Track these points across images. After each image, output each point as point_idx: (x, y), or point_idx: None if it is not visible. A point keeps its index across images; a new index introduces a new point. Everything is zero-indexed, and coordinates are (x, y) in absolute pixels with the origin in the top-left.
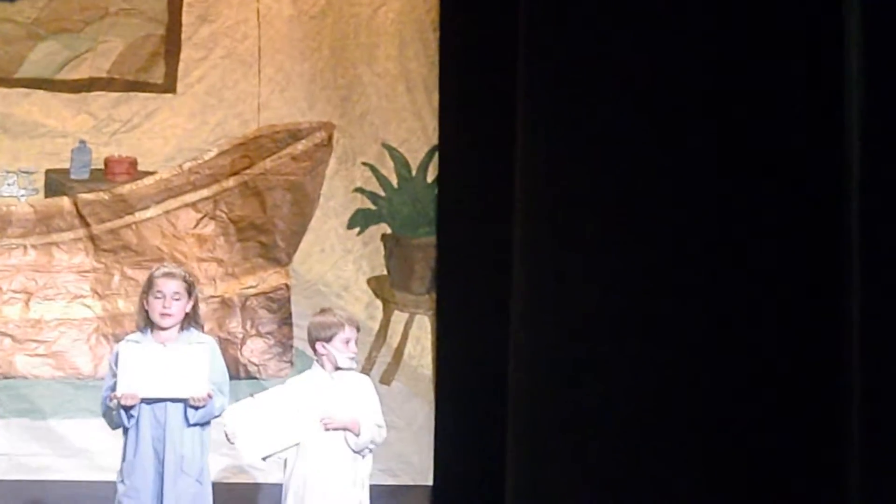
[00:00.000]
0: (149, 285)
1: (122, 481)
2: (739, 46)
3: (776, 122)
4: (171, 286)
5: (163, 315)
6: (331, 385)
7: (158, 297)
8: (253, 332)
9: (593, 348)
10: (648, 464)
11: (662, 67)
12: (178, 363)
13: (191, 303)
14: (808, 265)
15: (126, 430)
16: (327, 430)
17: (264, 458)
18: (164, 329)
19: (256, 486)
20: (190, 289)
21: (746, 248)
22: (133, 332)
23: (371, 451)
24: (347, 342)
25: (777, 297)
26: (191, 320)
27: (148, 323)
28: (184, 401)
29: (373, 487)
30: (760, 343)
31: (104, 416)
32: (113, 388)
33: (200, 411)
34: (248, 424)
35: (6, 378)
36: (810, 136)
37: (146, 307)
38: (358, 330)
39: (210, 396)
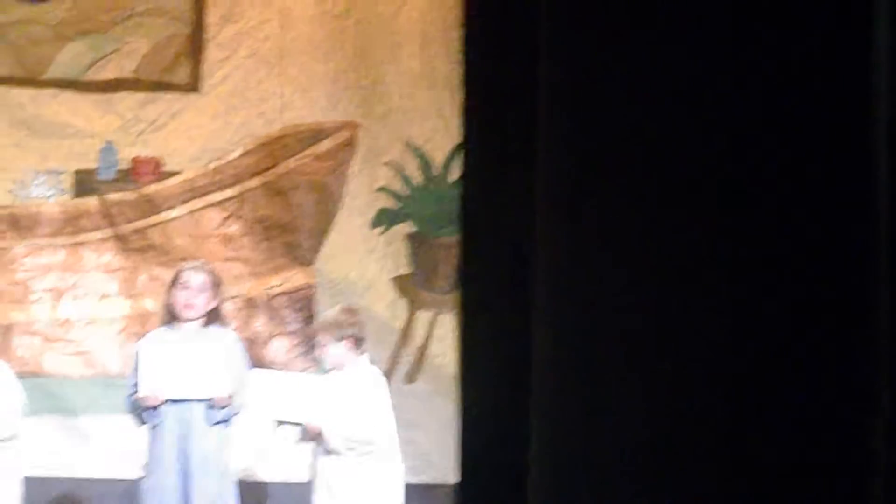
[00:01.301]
0: (175, 279)
1: (147, 478)
2: (767, 47)
3: (804, 120)
4: (197, 279)
5: (187, 306)
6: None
7: (184, 289)
8: (277, 331)
9: (617, 345)
10: (674, 463)
11: (688, 66)
12: (200, 362)
13: (216, 300)
14: (839, 264)
15: (150, 428)
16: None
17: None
18: (187, 321)
19: (284, 485)
20: (215, 285)
21: (776, 244)
22: (156, 329)
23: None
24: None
25: (807, 298)
26: (215, 318)
27: (172, 318)
28: (207, 400)
29: None
30: (791, 343)
31: (130, 413)
32: (136, 387)
33: (223, 410)
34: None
35: (36, 376)
36: (837, 127)
37: (170, 300)
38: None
39: (232, 396)
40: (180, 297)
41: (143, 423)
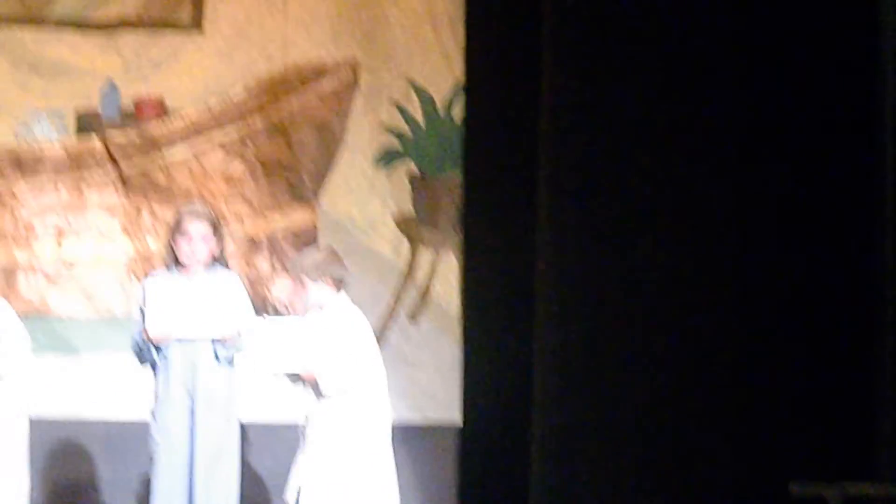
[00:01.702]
0: (177, 225)
1: (154, 418)
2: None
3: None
4: (199, 228)
5: (190, 256)
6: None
7: (186, 238)
8: (280, 270)
9: (621, 280)
10: (674, 405)
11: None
12: (206, 301)
13: (218, 245)
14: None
15: (156, 369)
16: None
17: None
18: (216, 260)
19: (284, 427)
20: (217, 229)
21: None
22: (160, 269)
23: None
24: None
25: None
26: (218, 258)
27: (175, 262)
28: (213, 339)
29: (401, 424)
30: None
31: (135, 353)
32: (142, 326)
33: (229, 349)
34: (265, 341)
35: (40, 316)
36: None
37: (173, 246)
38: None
39: (238, 334)
40: (184, 246)
41: (149, 362)
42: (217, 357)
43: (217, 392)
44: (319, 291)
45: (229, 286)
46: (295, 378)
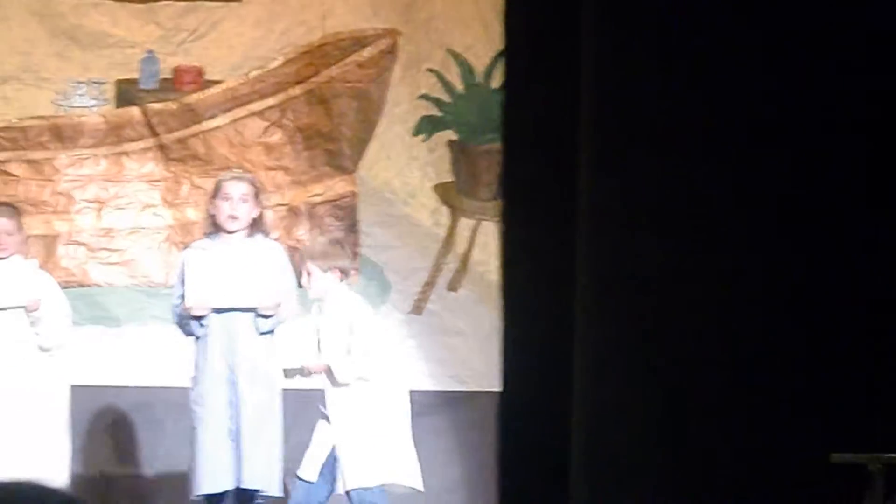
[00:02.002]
0: (216, 189)
1: (194, 388)
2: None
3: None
4: (238, 189)
5: (230, 218)
6: None
7: (226, 200)
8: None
9: (663, 256)
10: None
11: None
12: (246, 270)
13: (258, 209)
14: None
15: (197, 339)
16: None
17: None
18: (230, 233)
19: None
20: (257, 194)
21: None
22: (200, 239)
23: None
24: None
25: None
26: (258, 227)
27: (215, 228)
28: (253, 309)
29: (440, 393)
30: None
31: (177, 324)
32: (182, 297)
33: (270, 319)
34: None
35: (81, 286)
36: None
37: (213, 211)
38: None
39: (279, 304)
40: (223, 208)
41: (190, 333)
42: (258, 327)
43: (257, 362)
44: (325, 281)
45: (270, 255)
46: (298, 371)
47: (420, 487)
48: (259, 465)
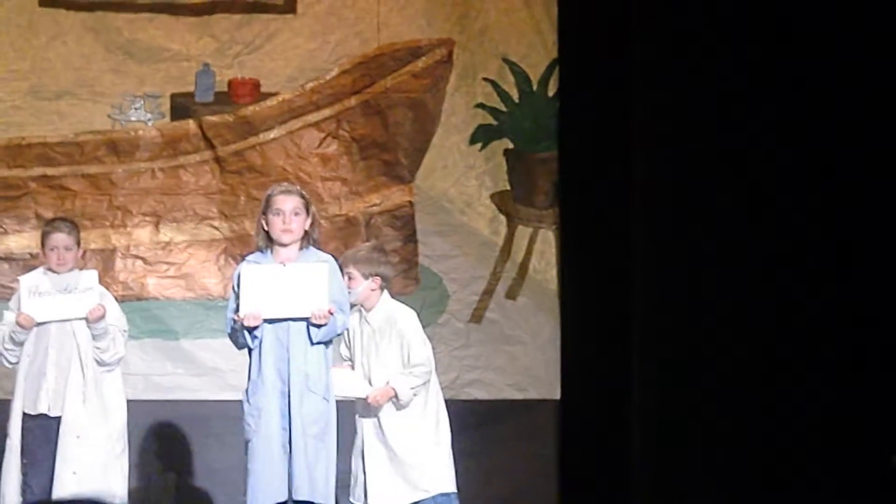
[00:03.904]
0: (267, 204)
1: (248, 400)
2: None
3: None
4: (290, 203)
5: (283, 231)
6: None
7: (278, 215)
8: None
9: (719, 264)
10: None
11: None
12: (299, 282)
13: (309, 220)
14: None
15: (250, 351)
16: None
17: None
18: (284, 246)
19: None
20: (308, 206)
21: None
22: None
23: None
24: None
25: None
26: (309, 239)
27: (268, 242)
28: (306, 319)
29: (501, 401)
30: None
31: (230, 336)
32: (236, 310)
33: (323, 329)
34: None
35: (139, 300)
36: None
37: (265, 226)
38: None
39: (332, 313)
40: (276, 222)
41: (242, 345)
42: (311, 338)
43: (312, 373)
44: (367, 288)
45: (322, 267)
46: (363, 400)
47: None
48: (313, 478)
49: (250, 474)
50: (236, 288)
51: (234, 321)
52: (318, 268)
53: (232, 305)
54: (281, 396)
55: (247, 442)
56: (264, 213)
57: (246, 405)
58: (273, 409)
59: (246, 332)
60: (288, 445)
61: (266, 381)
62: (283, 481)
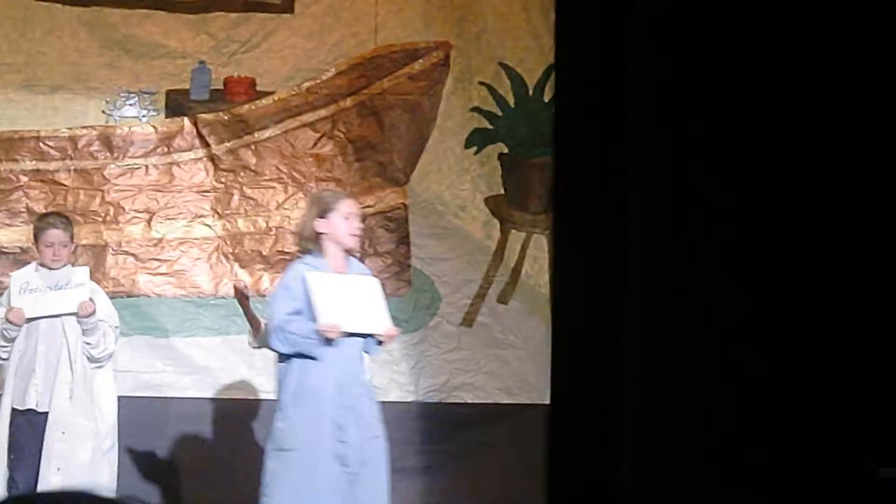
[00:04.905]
0: (327, 207)
1: (293, 408)
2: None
3: None
4: (357, 208)
5: (355, 237)
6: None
7: (347, 219)
8: (371, 251)
9: (713, 271)
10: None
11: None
12: (362, 294)
13: None
14: None
15: (286, 358)
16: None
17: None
18: (348, 252)
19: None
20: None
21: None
22: (301, 255)
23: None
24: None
25: None
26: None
27: (318, 246)
28: (372, 336)
29: (491, 406)
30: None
31: (280, 340)
32: (295, 313)
33: (380, 346)
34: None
35: (130, 297)
36: None
37: (323, 229)
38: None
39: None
40: (346, 227)
41: (309, 356)
42: (368, 352)
43: (368, 382)
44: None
45: (377, 282)
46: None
47: None
48: (374, 490)
49: (298, 488)
50: (301, 293)
51: (317, 330)
52: (374, 281)
53: (288, 308)
54: (337, 406)
55: (284, 451)
56: (322, 216)
57: (290, 413)
58: (329, 418)
59: (321, 343)
60: (345, 458)
61: (324, 391)
62: (340, 494)
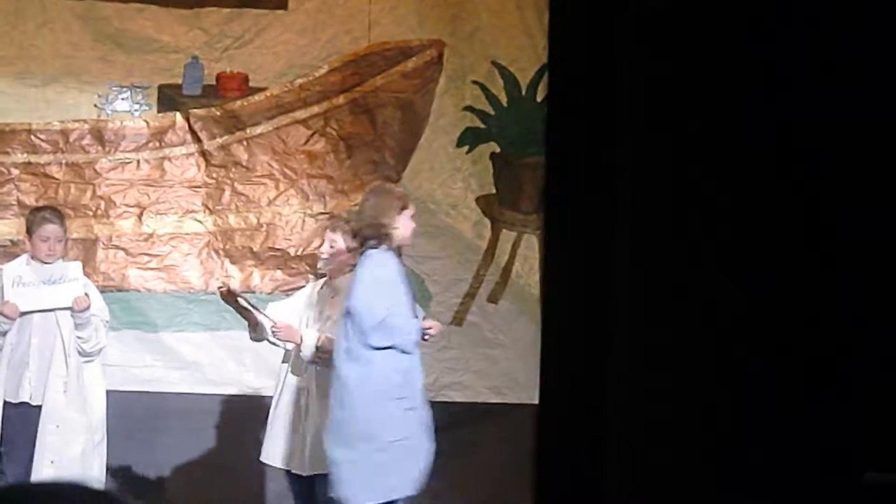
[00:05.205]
0: (403, 206)
1: (404, 402)
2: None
3: None
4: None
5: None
6: None
7: (412, 219)
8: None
9: (703, 272)
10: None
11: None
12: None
13: None
14: None
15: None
16: None
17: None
18: (398, 251)
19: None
20: None
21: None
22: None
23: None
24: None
25: None
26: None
27: (388, 240)
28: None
29: (480, 405)
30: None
31: (411, 342)
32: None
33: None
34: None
35: (119, 291)
36: None
37: (399, 224)
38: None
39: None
40: (411, 226)
41: (410, 352)
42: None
43: None
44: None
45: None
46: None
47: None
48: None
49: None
50: (395, 284)
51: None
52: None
53: (386, 302)
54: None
55: (394, 441)
56: (399, 213)
57: (404, 406)
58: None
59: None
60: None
61: (419, 384)
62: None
